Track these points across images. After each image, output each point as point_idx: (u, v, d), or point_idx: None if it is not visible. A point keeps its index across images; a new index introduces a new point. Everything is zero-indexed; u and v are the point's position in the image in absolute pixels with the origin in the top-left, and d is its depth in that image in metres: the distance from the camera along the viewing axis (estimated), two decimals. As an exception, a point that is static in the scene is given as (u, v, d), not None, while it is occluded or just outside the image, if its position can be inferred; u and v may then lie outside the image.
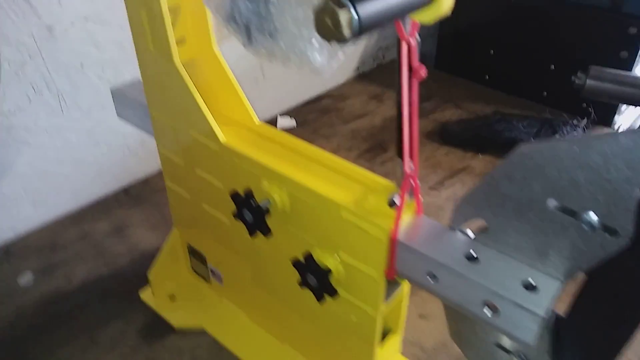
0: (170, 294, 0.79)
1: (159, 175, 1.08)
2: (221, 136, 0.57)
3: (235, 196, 0.55)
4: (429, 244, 0.46)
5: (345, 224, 0.49)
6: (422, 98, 1.44)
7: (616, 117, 1.30)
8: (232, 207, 0.57)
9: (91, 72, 0.89)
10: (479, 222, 0.46)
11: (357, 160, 1.15)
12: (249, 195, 0.53)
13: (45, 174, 0.92)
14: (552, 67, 1.35)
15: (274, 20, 0.38)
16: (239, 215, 0.55)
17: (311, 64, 0.38)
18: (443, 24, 1.57)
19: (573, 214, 0.39)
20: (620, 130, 0.35)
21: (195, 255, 0.77)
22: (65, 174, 0.94)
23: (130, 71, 0.94)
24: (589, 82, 1.09)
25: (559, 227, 0.40)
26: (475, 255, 0.44)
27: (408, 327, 0.76)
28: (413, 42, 0.37)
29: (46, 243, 0.90)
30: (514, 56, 1.41)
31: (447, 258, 0.44)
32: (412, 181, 0.47)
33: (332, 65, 0.39)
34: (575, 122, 1.19)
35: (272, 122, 1.27)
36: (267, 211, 0.53)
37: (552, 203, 0.40)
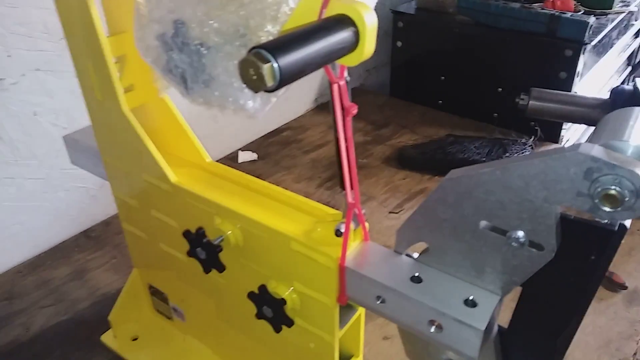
0: (133, 335, 0.78)
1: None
2: (172, 176, 0.58)
3: (187, 234, 0.56)
4: (375, 268, 0.48)
5: (296, 254, 0.51)
6: (380, 125, 1.48)
7: (563, 133, 1.37)
8: (187, 245, 0.58)
9: (45, 120, 0.90)
10: (422, 245, 0.48)
11: (318, 189, 1.17)
12: (201, 233, 0.55)
13: (1, 223, 0.90)
14: (500, 89, 1.42)
15: (207, 71, 0.41)
16: (192, 253, 0.56)
17: (245, 110, 0.41)
18: (395, 55, 1.64)
19: (503, 232, 0.42)
20: (534, 153, 0.38)
21: (157, 294, 0.76)
22: (21, 222, 0.93)
23: (84, 117, 0.94)
24: (532, 102, 1.16)
25: (491, 245, 0.42)
26: (419, 276, 0.47)
27: (372, 349, 0.77)
28: (342, 83, 0.40)
29: (2, 293, 0.87)
30: (463, 81, 1.47)
31: (393, 281, 0.46)
32: (356, 210, 0.49)
33: (265, 108, 0.41)
34: (523, 140, 1.25)
35: (234, 157, 1.28)
36: (220, 248, 0.54)
37: (483, 224, 0.42)
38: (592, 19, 1.21)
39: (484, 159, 1.19)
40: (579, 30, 1.23)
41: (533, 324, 0.46)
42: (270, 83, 0.30)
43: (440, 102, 1.54)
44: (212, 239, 0.55)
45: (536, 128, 1.30)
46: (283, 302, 0.53)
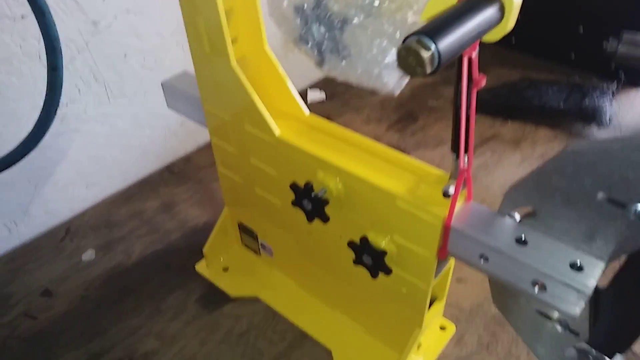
0: (224, 266, 0.85)
1: (199, 152, 1.13)
2: (277, 130, 0.61)
3: (295, 187, 0.59)
4: (480, 228, 0.50)
5: (401, 211, 0.53)
6: (450, 64, 1.45)
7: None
8: (286, 191, 0.62)
9: (134, 61, 0.93)
10: (527, 208, 0.49)
11: (388, 131, 1.18)
12: (309, 186, 0.58)
13: (96, 158, 0.97)
14: (581, 29, 1.33)
15: (349, 47, 0.41)
16: (298, 204, 0.59)
17: (385, 86, 0.42)
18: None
19: (621, 205, 0.42)
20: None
21: (246, 231, 0.82)
22: (113, 157, 0.99)
23: (169, 58, 0.97)
24: (621, 48, 1.10)
25: (606, 216, 0.43)
26: (524, 239, 0.48)
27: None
28: (474, 56, 0.40)
29: (102, 221, 0.96)
30: (540, 19, 1.39)
31: (498, 241, 0.49)
32: (465, 175, 0.50)
33: (402, 84, 0.42)
34: (604, 86, 1.19)
35: (302, 95, 1.29)
36: (327, 201, 0.57)
37: (601, 195, 0.43)
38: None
39: (561, 105, 1.16)
40: (681, -35, 1.12)
41: (634, 288, 0.48)
42: (429, 70, 0.31)
43: (514, 40, 1.47)
44: (315, 190, 0.58)
45: (620, 73, 1.24)
46: (384, 253, 0.56)
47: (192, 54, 0.63)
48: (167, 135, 1.07)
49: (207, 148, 1.13)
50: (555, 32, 1.37)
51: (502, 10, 0.36)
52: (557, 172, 0.45)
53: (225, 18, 0.57)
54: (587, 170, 0.43)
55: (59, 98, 0.71)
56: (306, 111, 0.65)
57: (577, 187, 0.44)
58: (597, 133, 1.14)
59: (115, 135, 0.98)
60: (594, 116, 1.12)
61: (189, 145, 1.12)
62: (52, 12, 0.71)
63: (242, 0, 0.60)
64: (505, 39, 1.36)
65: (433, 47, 0.30)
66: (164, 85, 0.76)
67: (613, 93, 1.18)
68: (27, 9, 0.71)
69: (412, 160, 0.57)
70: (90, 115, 0.92)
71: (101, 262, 0.88)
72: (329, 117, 1.23)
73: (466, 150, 0.48)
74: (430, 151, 1.10)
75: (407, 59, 0.31)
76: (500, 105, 1.20)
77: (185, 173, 1.07)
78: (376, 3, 0.38)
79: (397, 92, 0.43)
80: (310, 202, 0.58)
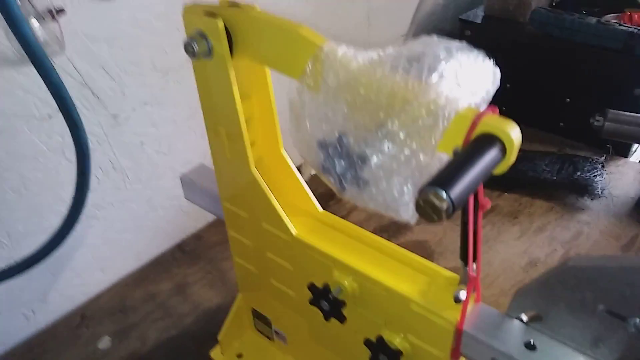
0: (238, 353, 0.86)
1: (209, 229, 1.16)
2: (293, 230, 0.65)
3: (312, 288, 0.62)
4: (491, 332, 0.53)
5: (415, 314, 0.56)
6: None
7: (634, 147, 1.36)
8: (302, 286, 0.65)
9: (150, 148, 0.98)
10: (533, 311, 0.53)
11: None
12: (327, 288, 0.61)
13: (112, 241, 1.00)
14: (568, 100, 1.41)
15: (368, 182, 0.46)
16: (315, 304, 0.63)
17: (403, 218, 0.46)
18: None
19: (621, 317, 0.46)
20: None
21: (260, 317, 0.84)
22: (128, 240, 1.03)
23: (182, 141, 1.03)
24: (607, 125, 1.17)
25: (608, 327, 0.47)
26: (533, 344, 0.52)
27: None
28: (480, 187, 0.45)
29: (117, 306, 0.98)
30: (529, 90, 1.47)
31: (508, 347, 0.52)
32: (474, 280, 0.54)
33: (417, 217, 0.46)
34: (594, 158, 1.25)
35: (300, 170, 1.34)
36: (344, 303, 0.60)
37: (601, 307, 0.47)
38: (672, 37, 1.19)
39: (554, 177, 1.21)
40: (657, 48, 1.21)
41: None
42: (444, 219, 0.36)
43: (504, 109, 1.54)
44: (332, 291, 0.61)
45: (608, 145, 1.30)
46: (400, 352, 0.59)
47: (212, 158, 0.68)
48: (179, 214, 1.11)
49: (217, 225, 1.17)
50: (543, 103, 1.45)
51: (503, 150, 0.41)
52: (560, 284, 0.49)
53: (246, 126, 0.62)
54: (588, 284, 0.47)
55: (86, 199, 0.75)
56: (319, 208, 0.69)
57: (579, 299, 0.48)
58: (591, 204, 1.19)
59: (131, 219, 1.01)
60: (586, 189, 1.17)
61: (200, 222, 1.15)
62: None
63: (260, 108, 0.65)
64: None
65: (447, 198, 0.35)
66: (182, 180, 0.80)
67: (602, 165, 1.24)
68: (53, 108, 0.76)
69: (422, 260, 0.61)
70: (107, 202, 0.96)
71: (117, 351, 0.89)
72: (329, 194, 1.27)
73: (474, 260, 0.52)
74: (432, 227, 1.14)
75: (425, 209, 0.35)
76: (497, 178, 1.25)
77: (197, 252, 1.10)
78: (391, 146, 0.43)
79: (413, 222, 0.47)
80: (328, 303, 0.61)
